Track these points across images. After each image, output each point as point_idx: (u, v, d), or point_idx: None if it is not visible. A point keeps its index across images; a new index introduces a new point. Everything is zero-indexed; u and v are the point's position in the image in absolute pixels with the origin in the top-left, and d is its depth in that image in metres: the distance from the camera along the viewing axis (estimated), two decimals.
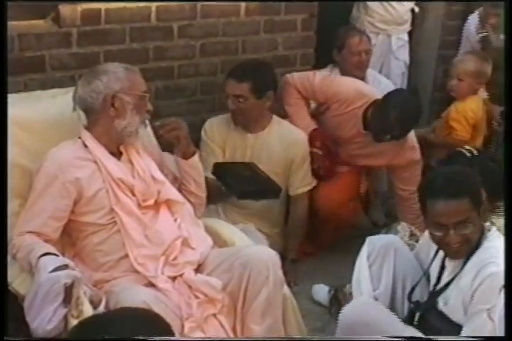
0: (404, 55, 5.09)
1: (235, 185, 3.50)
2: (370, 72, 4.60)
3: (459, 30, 5.35)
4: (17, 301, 2.87)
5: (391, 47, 4.98)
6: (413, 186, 3.67)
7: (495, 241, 2.71)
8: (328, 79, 4.09)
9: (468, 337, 2.50)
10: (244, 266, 2.94)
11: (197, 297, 2.89)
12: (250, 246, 3.18)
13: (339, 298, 3.67)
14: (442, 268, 2.85)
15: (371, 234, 3.90)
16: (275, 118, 3.94)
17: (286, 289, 3.11)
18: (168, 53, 4.01)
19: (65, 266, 2.66)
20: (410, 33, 5.15)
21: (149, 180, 3.06)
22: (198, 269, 3.03)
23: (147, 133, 3.28)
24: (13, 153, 3.03)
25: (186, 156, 3.25)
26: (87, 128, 3.05)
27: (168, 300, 2.82)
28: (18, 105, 3.19)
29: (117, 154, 3.07)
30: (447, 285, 2.79)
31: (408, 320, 2.88)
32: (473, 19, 5.13)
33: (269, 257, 2.98)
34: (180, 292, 2.90)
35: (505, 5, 4.05)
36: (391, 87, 4.62)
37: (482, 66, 4.35)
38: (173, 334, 1.81)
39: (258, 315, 2.94)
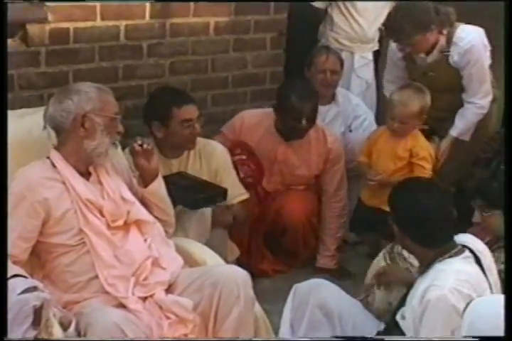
0: (367, 74, 5.04)
1: (182, 197, 3.45)
2: (341, 91, 4.61)
3: None
4: None
5: (353, 65, 4.96)
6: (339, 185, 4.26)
7: (455, 265, 2.70)
8: None
9: (469, 337, 2.50)
10: (215, 286, 2.92)
11: (168, 317, 2.87)
12: (221, 266, 3.17)
13: None
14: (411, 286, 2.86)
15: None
16: None
17: (257, 308, 3.10)
18: (137, 72, 4.02)
19: (34, 288, 2.63)
20: (378, 52, 5.15)
21: (119, 200, 3.04)
22: (169, 289, 3.01)
23: (117, 153, 3.26)
24: None
25: (144, 184, 3.21)
26: (56, 147, 3.03)
27: (138, 321, 2.79)
28: None
29: (86, 174, 3.05)
30: (404, 300, 2.82)
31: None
32: None
33: (240, 276, 2.97)
34: (151, 312, 2.87)
35: (505, 5, 4.05)
36: (362, 107, 4.65)
37: (425, 101, 3.90)
38: None
39: (230, 335, 2.91)
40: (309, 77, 4.49)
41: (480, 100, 4.13)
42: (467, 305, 2.28)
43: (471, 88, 4.11)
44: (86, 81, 3.19)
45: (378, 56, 5.12)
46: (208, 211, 3.61)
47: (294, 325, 3.11)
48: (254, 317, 3.03)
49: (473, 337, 2.36)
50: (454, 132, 4.20)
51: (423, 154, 3.96)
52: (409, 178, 3.39)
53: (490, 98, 4.16)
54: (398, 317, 2.79)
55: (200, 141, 3.88)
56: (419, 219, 2.74)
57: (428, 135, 4.13)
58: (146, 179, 3.22)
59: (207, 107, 4.32)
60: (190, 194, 3.50)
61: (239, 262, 3.85)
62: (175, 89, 3.96)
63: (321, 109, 4.28)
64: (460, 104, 4.19)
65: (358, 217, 4.23)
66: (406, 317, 2.74)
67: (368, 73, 5.01)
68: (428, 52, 4.08)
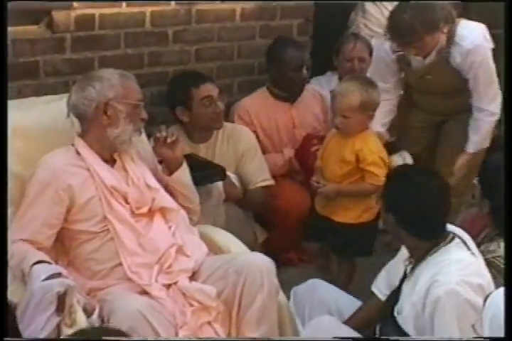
0: None
1: None
2: None
3: None
4: (10, 309, 2.85)
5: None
6: None
7: (452, 255, 2.65)
8: None
9: (469, 337, 2.47)
10: (239, 273, 2.91)
11: (191, 305, 2.87)
12: (245, 253, 3.16)
13: None
14: (403, 280, 2.81)
15: None
16: None
17: (281, 296, 3.09)
18: (162, 58, 4.00)
19: (58, 275, 2.64)
20: None
21: (143, 187, 3.04)
22: (193, 277, 3.00)
23: (141, 140, 3.25)
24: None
25: (169, 172, 3.22)
26: (80, 135, 3.03)
27: (162, 309, 2.80)
28: (11, 112, 3.16)
29: (111, 161, 3.04)
30: (399, 293, 2.77)
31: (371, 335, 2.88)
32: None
33: (264, 264, 2.95)
34: (175, 300, 2.87)
35: (505, 5, 3.92)
36: None
37: (369, 95, 3.48)
38: None
39: (253, 323, 2.91)
40: (337, 64, 4.46)
41: (489, 105, 3.74)
42: (486, 297, 2.23)
43: (478, 91, 3.74)
44: (111, 67, 3.18)
45: None
46: (215, 189, 3.58)
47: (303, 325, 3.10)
48: (277, 306, 3.01)
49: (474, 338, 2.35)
50: (471, 148, 3.82)
51: (371, 159, 3.51)
52: (406, 166, 3.31)
53: (499, 101, 3.74)
54: (395, 313, 2.75)
55: (228, 125, 3.92)
56: (418, 211, 2.66)
57: (395, 149, 3.80)
58: (170, 167, 3.22)
59: (233, 94, 4.30)
60: (192, 174, 3.43)
61: (266, 249, 3.82)
62: (190, 71, 3.99)
63: None
64: (458, 108, 3.90)
65: (311, 225, 3.84)
66: (404, 312, 2.70)
67: None
68: (426, 54, 3.68)
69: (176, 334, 2.76)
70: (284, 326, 3.06)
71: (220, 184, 3.58)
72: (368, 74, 3.96)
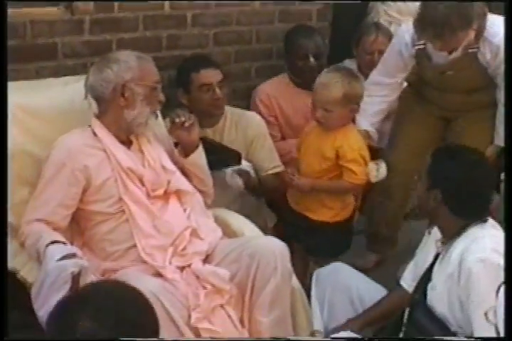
0: None
1: None
2: None
3: None
4: (25, 289, 2.87)
5: None
6: None
7: (487, 231, 2.66)
8: None
9: (468, 337, 2.48)
10: (253, 257, 2.92)
11: (204, 287, 2.87)
12: (259, 237, 3.17)
13: None
14: (435, 260, 2.80)
15: None
16: (227, 108, 3.86)
17: (295, 280, 3.09)
18: (181, 42, 3.98)
19: (73, 255, 2.65)
20: None
21: (159, 169, 3.05)
22: (207, 260, 3.02)
23: (158, 122, 3.26)
24: (23, 141, 3.04)
25: (185, 154, 3.23)
26: (98, 116, 3.04)
27: (175, 290, 2.81)
28: (29, 92, 3.19)
29: (127, 143, 3.05)
30: (431, 275, 2.76)
31: (398, 321, 2.85)
32: (408, 28, 3.64)
33: (278, 248, 2.96)
34: (188, 282, 2.88)
35: (505, 5, 3.84)
36: None
37: (352, 88, 3.33)
38: (151, 309, 1.84)
39: (266, 307, 2.92)
40: (356, 54, 4.43)
41: None
42: (499, 286, 2.23)
43: None
44: (129, 50, 3.17)
45: None
46: (233, 177, 3.59)
47: (320, 308, 3.10)
48: (291, 290, 3.02)
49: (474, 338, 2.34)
50: (500, 142, 3.64)
51: (351, 156, 3.38)
52: (455, 144, 3.20)
53: None
54: (429, 291, 2.75)
55: (237, 111, 3.88)
56: (469, 188, 2.66)
57: (375, 156, 3.59)
58: (186, 149, 3.23)
59: (251, 79, 4.29)
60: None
61: (278, 233, 3.82)
62: (198, 54, 3.96)
63: None
64: (473, 105, 3.77)
65: (285, 222, 3.74)
66: (438, 288, 2.70)
67: None
68: (452, 49, 3.46)
69: (189, 316, 2.77)
70: (297, 310, 3.08)
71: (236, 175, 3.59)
72: (378, 66, 3.84)
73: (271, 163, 3.82)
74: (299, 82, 4.17)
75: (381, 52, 4.27)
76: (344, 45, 4.47)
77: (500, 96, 3.65)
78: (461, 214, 2.70)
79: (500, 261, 2.48)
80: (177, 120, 3.19)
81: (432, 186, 2.73)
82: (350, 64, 4.50)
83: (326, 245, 3.51)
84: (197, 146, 3.24)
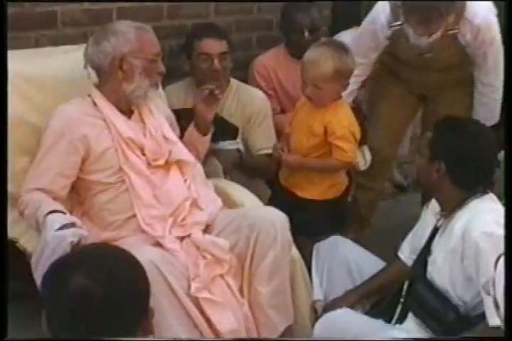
0: None
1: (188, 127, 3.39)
2: None
3: None
4: (24, 258, 2.88)
5: None
6: None
7: (487, 204, 2.67)
8: None
9: (469, 337, 2.48)
10: (252, 227, 2.91)
11: (204, 257, 2.87)
12: (259, 208, 3.17)
13: None
14: (434, 233, 2.81)
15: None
16: (233, 81, 3.83)
17: (294, 251, 3.10)
18: (182, 11, 3.94)
19: (72, 224, 2.65)
20: None
21: (161, 139, 3.03)
22: (206, 230, 3.01)
23: (158, 93, 3.23)
24: (23, 110, 3.03)
25: (202, 132, 3.26)
26: (97, 86, 3.01)
27: (175, 260, 2.81)
28: (28, 61, 3.17)
29: (128, 113, 3.03)
30: (430, 248, 2.77)
31: (396, 293, 2.87)
32: (384, 8, 3.50)
33: (278, 219, 2.95)
34: (188, 252, 2.88)
35: (505, 5, 3.78)
36: None
37: (343, 63, 3.20)
38: (142, 269, 1.86)
39: (265, 277, 2.92)
40: None
41: (496, 81, 3.54)
42: (497, 259, 2.22)
43: (486, 68, 3.55)
44: (130, 19, 3.14)
45: None
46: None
47: (319, 280, 3.11)
48: (290, 260, 3.02)
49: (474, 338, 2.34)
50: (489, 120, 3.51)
51: (341, 133, 3.26)
52: (459, 118, 3.13)
53: (502, 78, 3.50)
54: (429, 266, 2.75)
55: (242, 86, 3.84)
56: (473, 159, 2.66)
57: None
58: (201, 127, 3.26)
59: (252, 49, 4.26)
60: None
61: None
62: (208, 24, 3.91)
63: None
64: (451, 82, 3.71)
65: (275, 199, 3.59)
66: (439, 262, 2.70)
67: None
68: (431, 33, 3.30)
69: (189, 286, 2.77)
70: (297, 280, 3.09)
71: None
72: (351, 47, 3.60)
73: (264, 143, 3.72)
74: (295, 54, 4.13)
75: None
76: (347, 13, 4.42)
77: (479, 75, 3.61)
78: (464, 185, 2.70)
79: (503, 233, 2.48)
80: (209, 86, 3.22)
81: (435, 158, 2.72)
82: (351, 31, 4.45)
83: (314, 224, 3.40)
84: (210, 126, 3.27)
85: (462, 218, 2.66)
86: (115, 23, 3.09)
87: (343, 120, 3.29)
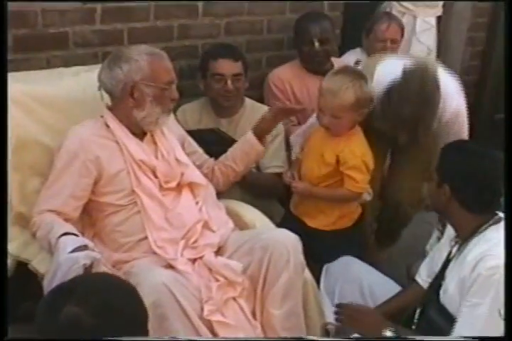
0: (429, 40, 4.93)
1: (207, 150, 3.39)
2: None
3: (489, 12, 5.24)
4: (36, 279, 2.86)
5: (415, 30, 4.86)
6: None
7: (499, 233, 2.60)
8: None
9: (469, 337, 2.46)
10: (265, 250, 2.89)
11: (217, 280, 2.86)
12: (272, 230, 3.15)
13: None
14: (448, 258, 2.78)
15: None
16: (248, 100, 3.86)
17: (307, 273, 3.07)
18: (192, 32, 3.95)
19: (85, 247, 2.63)
20: (439, 18, 5.03)
21: (173, 161, 3.02)
22: (219, 252, 3.00)
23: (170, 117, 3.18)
24: (35, 131, 3.04)
25: (263, 143, 3.29)
26: (110, 108, 3.01)
27: (187, 283, 2.79)
28: (40, 82, 3.18)
29: (140, 134, 3.02)
30: (444, 273, 2.74)
31: (409, 319, 2.83)
32: None
33: (290, 241, 2.93)
34: (200, 274, 2.87)
35: (505, 5, 3.76)
36: None
37: (363, 92, 3.11)
38: (138, 297, 1.84)
39: (278, 299, 2.90)
40: (366, 43, 4.40)
41: None
42: None
43: None
44: (140, 39, 3.15)
45: (440, 23, 5.00)
46: None
47: (331, 301, 3.08)
48: (303, 282, 3.00)
49: (474, 338, 2.32)
50: None
51: (353, 163, 3.18)
52: (465, 141, 3.13)
53: None
54: (441, 295, 2.73)
55: (257, 106, 3.86)
56: (477, 181, 2.63)
57: None
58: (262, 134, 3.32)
59: (261, 68, 4.27)
60: (213, 148, 3.44)
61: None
62: (225, 44, 3.93)
63: None
64: None
65: (285, 225, 3.32)
66: (450, 290, 2.67)
67: (430, 39, 4.90)
68: None
69: (201, 309, 2.76)
70: (309, 302, 3.06)
71: None
72: None
73: (272, 161, 3.72)
74: (309, 67, 4.15)
75: (393, 41, 4.29)
76: (356, 35, 4.44)
77: None
78: (472, 208, 2.66)
79: None
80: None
81: (441, 182, 2.70)
82: (362, 50, 4.47)
83: (325, 253, 3.28)
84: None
85: (476, 248, 2.62)
86: (129, 49, 3.04)
87: (355, 149, 3.21)
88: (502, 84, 5.18)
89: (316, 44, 4.03)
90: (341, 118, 3.14)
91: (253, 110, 3.81)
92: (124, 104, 2.94)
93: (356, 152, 3.21)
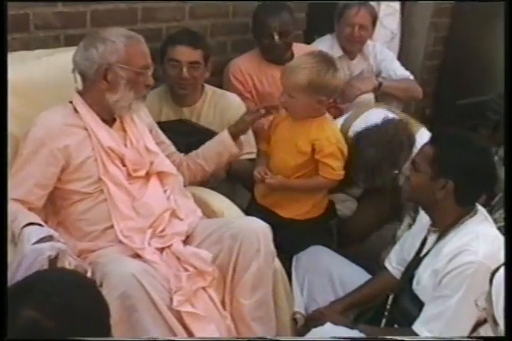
0: (392, 25, 4.93)
1: (176, 142, 3.32)
2: (375, 45, 4.51)
3: None
4: None
5: (379, 13, 4.84)
6: None
7: (478, 226, 2.61)
8: None
9: (469, 337, 2.44)
10: (235, 238, 2.85)
11: (186, 269, 2.80)
12: (241, 218, 3.10)
13: None
14: (421, 249, 2.76)
15: None
16: (208, 87, 3.79)
17: (277, 261, 3.03)
18: (157, 15, 3.87)
19: (50, 237, 2.56)
20: (403, 3, 5.01)
21: (142, 150, 2.95)
22: (187, 240, 2.94)
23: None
24: None
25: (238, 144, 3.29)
26: (81, 93, 2.91)
27: (156, 273, 2.73)
28: None
29: (110, 121, 2.93)
30: (419, 265, 2.72)
31: (381, 306, 2.83)
32: None
33: (261, 229, 2.89)
34: (169, 264, 2.81)
35: (505, 5, 3.75)
36: (395, 62, 4.53)
37: (321, 77, 3.05)
38: (99, 294, 1.79)
39: (248, 289, 2.86)
40: (337, 29, 4.36)
41: None
42: (492, 274, 2.17)
43: None
44: (103, 22, 3.05)
45: (404, 7, 4.98)
46: None
47: (300, 291, 3.07)
48: (273, 271, 2.96)
49: (474, 338, 2.31)
50: None
51: (329, 150, 3.14)
52: (465, 134, 2.93)
53: None
54: (414, 283, 2.71)
55: (218, 92, 3.80)
56: (483, 177, 2.59)
57: None
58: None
59: (226, 53, 4.21)
60: (183, 138, 3.39)
61: None
62: (189, 30, 3.84)
63: (349, 62, 4.36)
64: None
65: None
66: (423, 281, 2.66)
67: (394, 23, 4.91)
68: None
69: (170, 299, 2.70)
70: (279, 292, 3.03)
71: None
72: None
73: (245, 148, 3.62)
74: (269, 58, 4.08)
75: (361, 26, 4.25)
76: (322, 17, 4.39)
77: None
78: (466, 203, 2.63)
79: (492, 265, 2.36)
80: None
81: (440, 176, 2.61)
82: (332, 36, 4.42)
83: (297, 243, 3.24)
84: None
85: (454, 240, 2.59)
86: (107, 31, 2.95)
87: (331, 137, 3.17)
88: (464, 69, 5.22)
89: (276, 37, 3.94)
90: (295, 98, 3.09)
91: (215, 96, 3.76)
92: (96, 86, 2.86)
93: (332, 139, 3.17)
